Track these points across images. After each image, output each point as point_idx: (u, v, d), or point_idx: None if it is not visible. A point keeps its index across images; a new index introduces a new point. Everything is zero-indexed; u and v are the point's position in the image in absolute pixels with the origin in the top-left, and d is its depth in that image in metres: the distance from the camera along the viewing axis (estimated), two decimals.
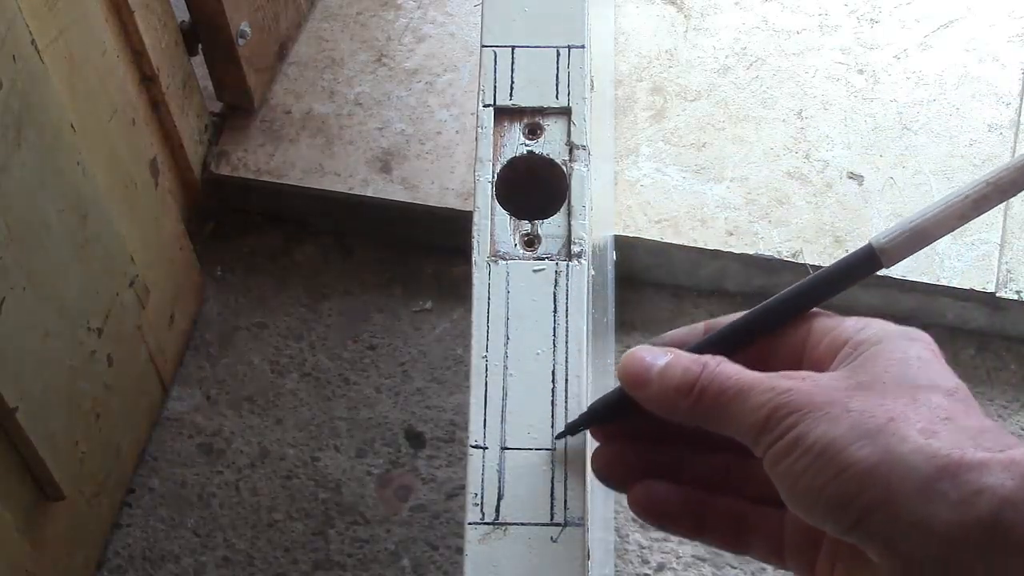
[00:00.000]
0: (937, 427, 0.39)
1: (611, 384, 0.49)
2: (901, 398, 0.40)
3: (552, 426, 0.50)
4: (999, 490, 0.37)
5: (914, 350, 0.43)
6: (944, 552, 0.38)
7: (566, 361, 0.52)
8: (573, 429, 0.49)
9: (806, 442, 0.40)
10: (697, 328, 0.48)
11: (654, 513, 0.47)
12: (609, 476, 0.48)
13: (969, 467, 0.38)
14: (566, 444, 0.49)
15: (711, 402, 0.43)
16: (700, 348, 0.46)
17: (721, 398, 0.43)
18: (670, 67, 1.22)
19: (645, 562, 1.01)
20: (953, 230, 0.44)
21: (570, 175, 0.56)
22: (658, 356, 0.45)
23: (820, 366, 0.44)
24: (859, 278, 0.45)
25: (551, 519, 0.48)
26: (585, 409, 0.50)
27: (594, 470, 0.48)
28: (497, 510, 0.48)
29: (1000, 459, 0.38)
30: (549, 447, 0.49)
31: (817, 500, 0.40)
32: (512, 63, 0.59)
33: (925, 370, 0.42)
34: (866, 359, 0.42)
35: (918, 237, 0.44)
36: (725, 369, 0.44)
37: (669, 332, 0.49)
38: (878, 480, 0.38)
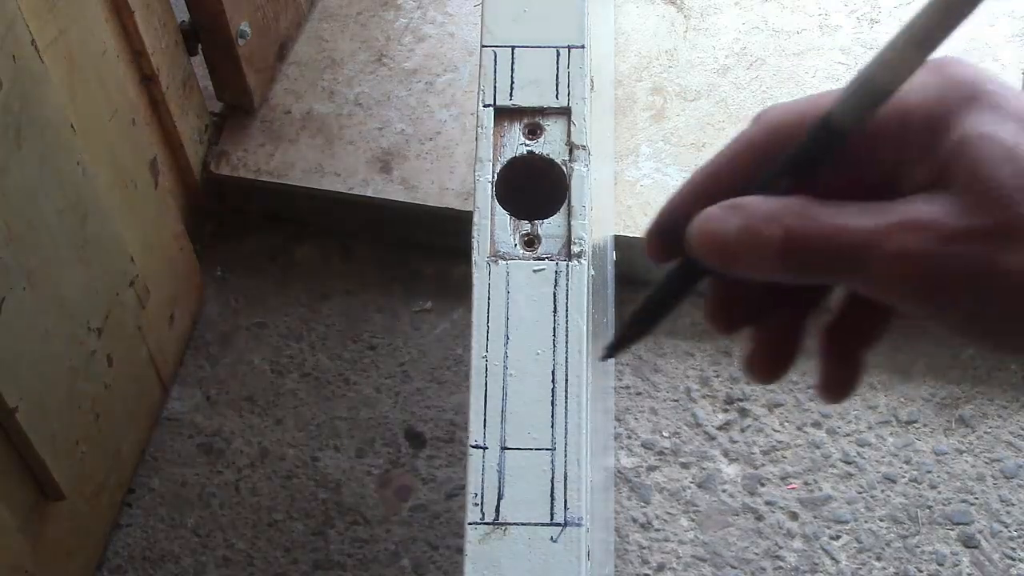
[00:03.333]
0: None
1: (611, 384, 0.49)
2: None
3: (552, 426, 0.50)
4: None
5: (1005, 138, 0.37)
6: None
7: (566, 361, 0.52)
8: (624, 343, 0.46)
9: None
10: (739, 152, 0.42)
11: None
12: (723, 325, 0.44)
13: None
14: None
15: (818, 266, 0.38)
16: (766, 186, 0.40)
17: (825, 254, 0.38)
18: (670, 67, 1.22)
19: (645, 562, 1.01)
20: (904, 79, 0.38)
21: (570, 175, 0.56)
22: (730, 218, 0.39)
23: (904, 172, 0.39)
24: (825, 155, 0.40)
25: (551, 519, 0.48)
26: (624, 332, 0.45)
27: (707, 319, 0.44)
28: (497, 510, 0.48)
29: None
30: (549, 447, 0.49)
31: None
32: (512, 63, 0.59)
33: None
34: (966, 179, 0.37)
35: (868, 91, 0.39)
36: (818, 218, 0.38)
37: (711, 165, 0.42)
38: None
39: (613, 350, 0.47)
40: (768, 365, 0.44)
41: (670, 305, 0.45)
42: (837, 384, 0.44)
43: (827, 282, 0.39)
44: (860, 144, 0.40)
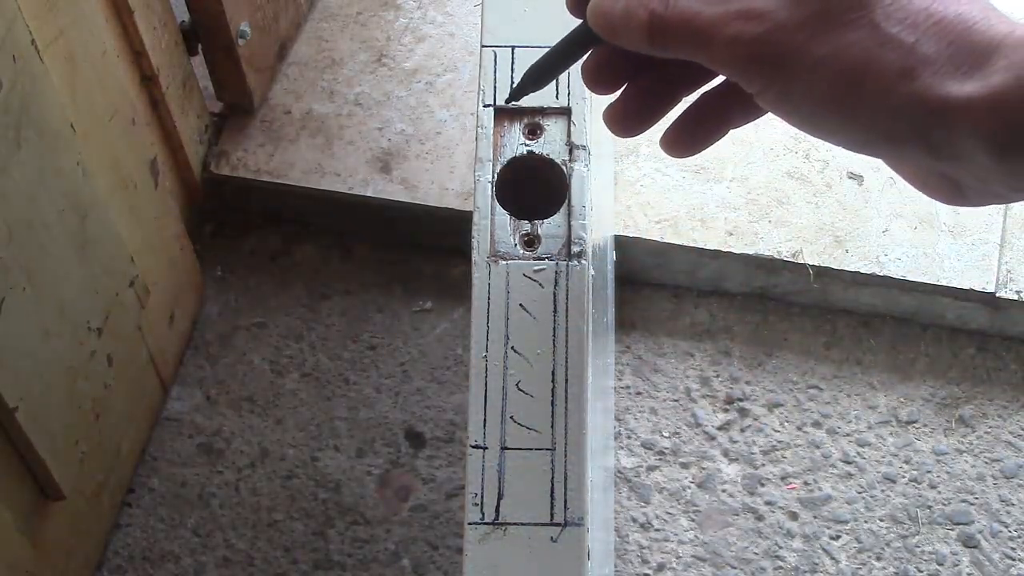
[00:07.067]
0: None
1: (611, 384, 0.49)
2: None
3: (552, 426, 0.50)
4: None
5: None
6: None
7: (566, 361, 0.52)
8: (522, 90, 0.52)
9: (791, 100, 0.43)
10: None
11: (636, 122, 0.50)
12: (597, 82, 0.50)
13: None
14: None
15: (676, 43, 0.44)
16: None
17: (685, 38, 0.44)
18: None
19: (645, 562, 1.01)
20: None
21: (570, 175, 0.56)
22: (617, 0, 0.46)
23: None
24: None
25: (551, 519, 0.48)
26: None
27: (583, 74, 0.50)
28: (497, 510, 0.48)
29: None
30: (549, 447, 0.49)
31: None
32: (512, 63, 0.59)
33: None
34: None
35: None
36: (678, 4, 0.44)
37: None
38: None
39: (515, 96, 0.53)
40: (625, 116, 0.50)
41: (566, 60, 0.51)
42: (685, 136, 0.50)
43: (684, 57, 0.45)
44: None
